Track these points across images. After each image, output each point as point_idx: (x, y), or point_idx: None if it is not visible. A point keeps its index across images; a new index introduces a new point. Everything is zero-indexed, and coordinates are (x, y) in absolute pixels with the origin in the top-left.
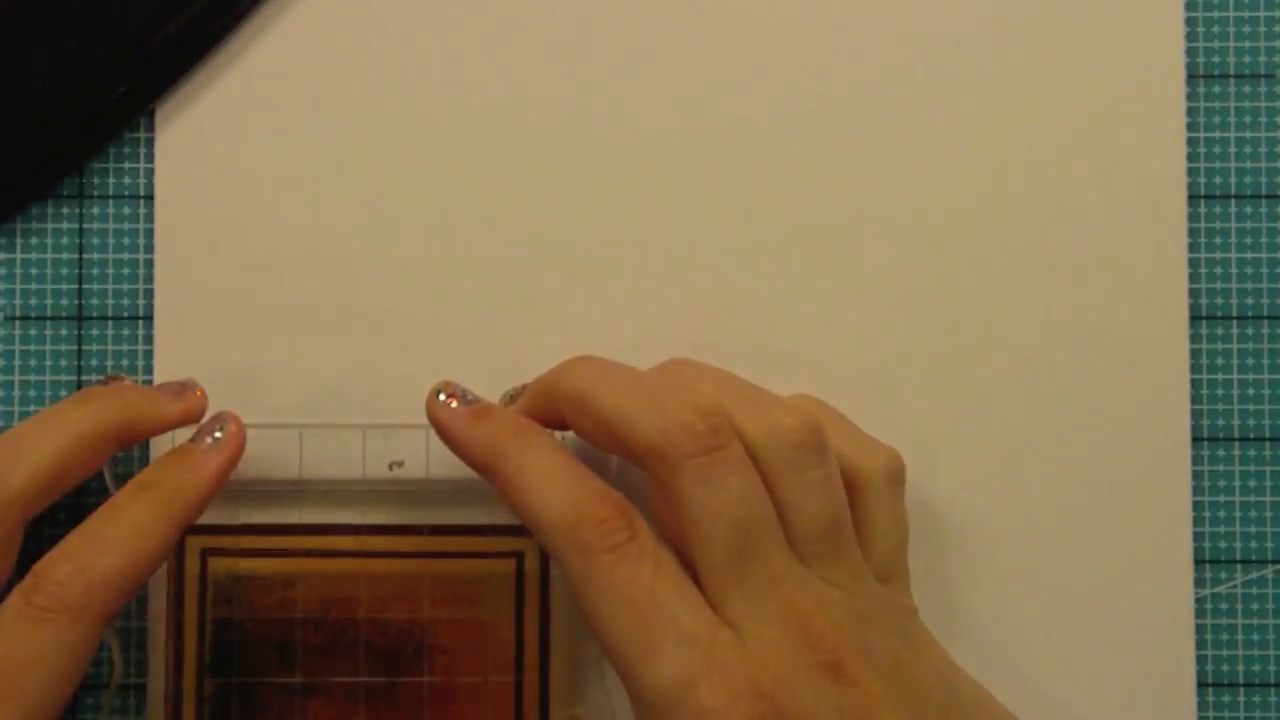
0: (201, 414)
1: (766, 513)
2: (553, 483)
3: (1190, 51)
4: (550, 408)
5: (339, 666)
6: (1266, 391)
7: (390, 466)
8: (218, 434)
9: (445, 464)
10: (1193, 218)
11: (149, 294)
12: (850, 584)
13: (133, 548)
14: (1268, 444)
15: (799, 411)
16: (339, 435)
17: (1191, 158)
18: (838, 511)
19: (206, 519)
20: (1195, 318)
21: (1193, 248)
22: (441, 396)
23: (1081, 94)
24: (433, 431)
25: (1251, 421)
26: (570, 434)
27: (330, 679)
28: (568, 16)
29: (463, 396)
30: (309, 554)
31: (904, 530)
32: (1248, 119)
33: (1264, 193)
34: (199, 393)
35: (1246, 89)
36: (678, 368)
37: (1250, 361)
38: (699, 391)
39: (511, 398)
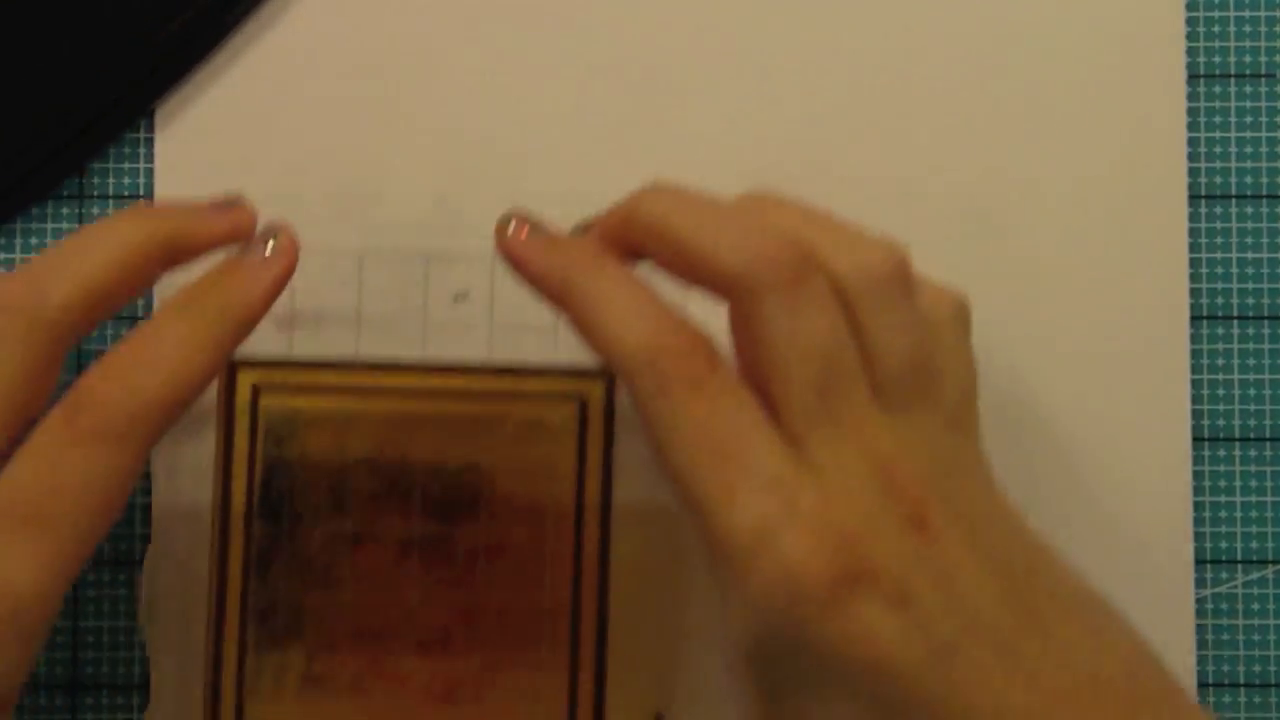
0: (251, 231)
1: (851, 352)
2: (630, 312)
3: (1191, 51)
4: (626, 237)
5: (393, 514)
6: (1267, 392)
7: (455, 299)
8: (269, 247)
9: (511, 300)
10: (1193, 218)
11: (148, 293)
12: (933, 432)
13: (181, 368)
14: (1268, 444)
15: (887, 247)
16: (401, 263)
17: (1192, 158)
18: (924, 353)
19: (258, 352)
20: (1196, 318)
21: (1193, 248)
22: (511, 226)
23: (1082, 94)
24: (499, 263)
25: (1252, 422)
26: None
27: (383, 527)
28: None
29: (534, 225)
30: (365, 392)
31: (973, 376)
32: (1248, 119)
33: (1264, 193)
34: (247, 208)
35: (1247, 89)
36: (759, 198)
37: (1251, 362)
38: (784, 222)
39: (584, 230)
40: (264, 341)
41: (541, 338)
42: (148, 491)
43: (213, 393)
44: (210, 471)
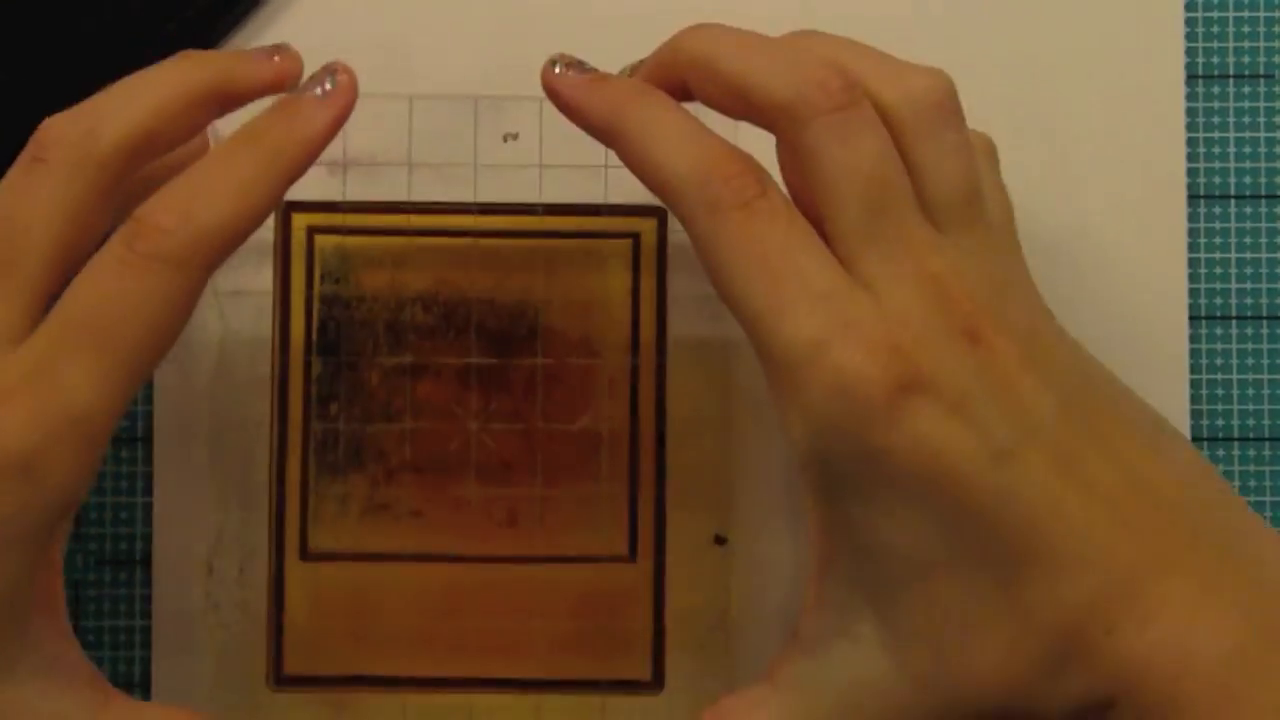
0: (298, 77)
1: (901, 175)
2: (679, 139)
3: (1190, 52)
4: (672, 75)
5: (449, 348)
6: (1266, 391)
7: (504, 139)
8: (328, 85)
9: (560, 139)
10: (1192, 218)
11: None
12: (984, 252)
13: (238, 200)
14: (1267, 444)
15: (935, 74)
16: (449, 106)
17: (1191, 158)
18: (974, 177)
19: (312, 194)
20: (1195, 317)
21: (1192, 248)
22: (558, 67)
23: (1081, 94)
24: (547, 105)
25: (1251, 421)
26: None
27: (440, 360)
28: None
29: (580, 66)
30: (419, 233)
31: (1010, 205)
32: (1247, 119)
33: (1263, 193)
34: (294, 53)
35: (1246, 89)
36: (805, 33)
37: (1250, 361)
38: (831, 52)
39: (631, 71)
40: (317, 186)
41: (592, 177)
42: (149, 491)
43: (270, 232)
44: (268, 311)
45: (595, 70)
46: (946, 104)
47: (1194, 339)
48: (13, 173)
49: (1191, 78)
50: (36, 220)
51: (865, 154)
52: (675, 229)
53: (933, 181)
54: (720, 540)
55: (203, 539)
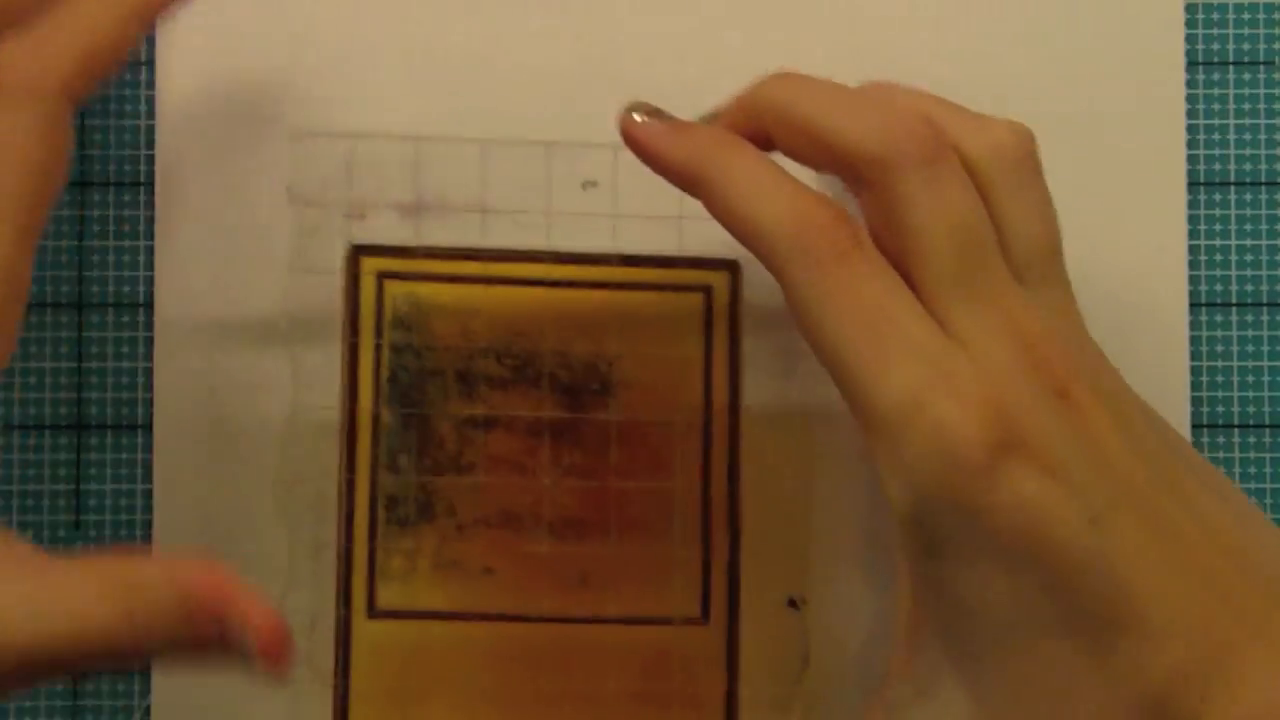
0: None
1: (989, 228)
2: (769, 188)
3: (1190, 39)
4: (753, 123)
5: (521, 400)
6: (1266, 379)
7: (583, 186)
8: None
9: (636, 190)
10: (1192, 205)
11: (149, 280)
12: (1066, 309)
13: (89, 22)
14: (1267, 431)
15: (1017, 129)
16: (524, 152)
17: (1191, 145)
18: (1055, 233)
19: (384, 239)
20: (1195, 305)
21: (1192, 235)
22: (637, 115)
23: (1080, 82)
24: (623, 151)
25: (1251, 409)
26: None
27: (512, 412)
28: None
29: (659, 114)
30: (492, 281)
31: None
32: (1247, 106)
33: (1263, 180)
34: None
35: (1246, 76)
36: (885, 84)
37: (1250, 349)
38: (914, 104)
39: (710, 119)
40: (390, 230)
41: (666, 228)
42: (148, 479)
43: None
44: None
45: (675, 118)
46: (1029, 159)
47: (1194, 326)
48: None
49: (1192, 65)
50: None
51: (955, 206)
52: (750, 285)
53: (1017, 236)
54: (795, 603)
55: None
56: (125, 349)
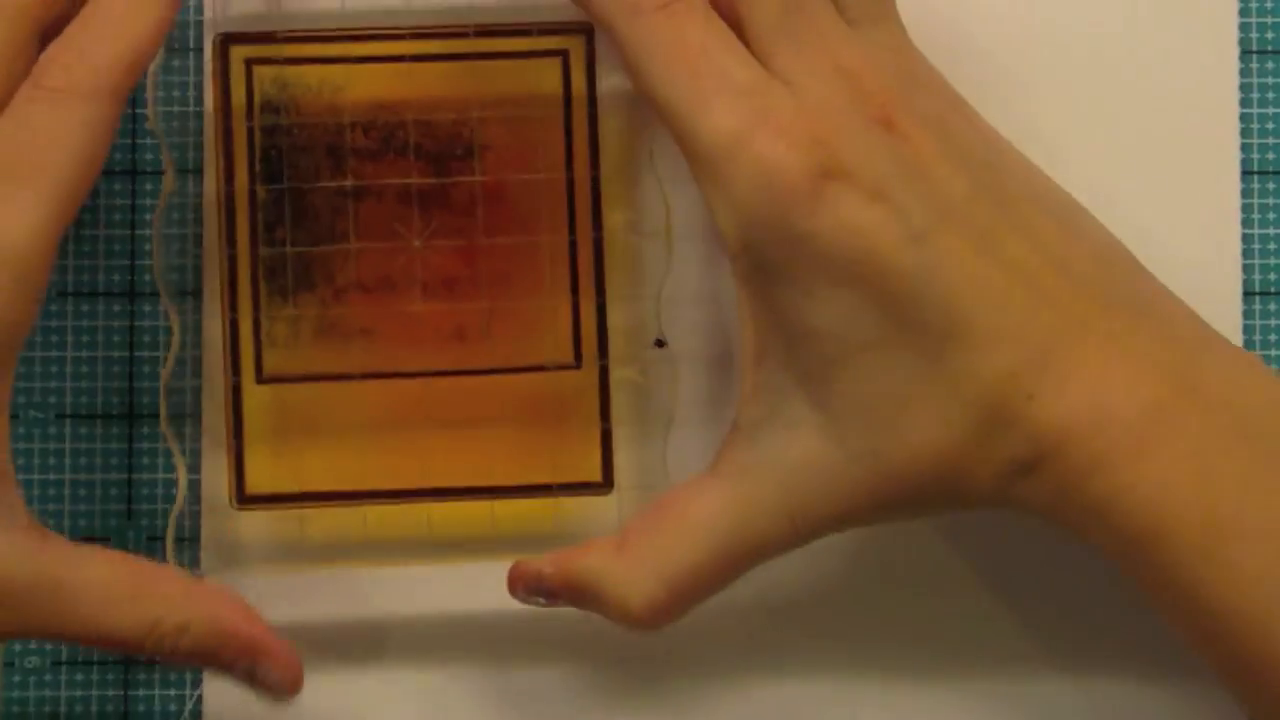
0: None
1: None
2: None
3: (1243, 27)
4: None
5: (390, 169)
6: None
7: None
8: None
9: None
10: (1245, 193)
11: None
12: (896, 46)
13: (130, 27)
14: None
15: None
16: None
17: (1244, 133)
18: None
19: (249, 26)
20: (1249, 293)
21: (1245, 223)
22: None
23: (1135, 70)
24: None
25: None
26: None
27: (382, 181)
28: None
29: None
30: (354, 60)
31: None
32: None
33: None
34: None
35: None
36: None
37: None
38: None
39: None
40: (254, 19)
41: None
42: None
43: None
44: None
45: None
46: None
47: (1247, 314)
48: None
49: (1245, 53)
50: None
51: None
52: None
53: None
54: (660, 343)
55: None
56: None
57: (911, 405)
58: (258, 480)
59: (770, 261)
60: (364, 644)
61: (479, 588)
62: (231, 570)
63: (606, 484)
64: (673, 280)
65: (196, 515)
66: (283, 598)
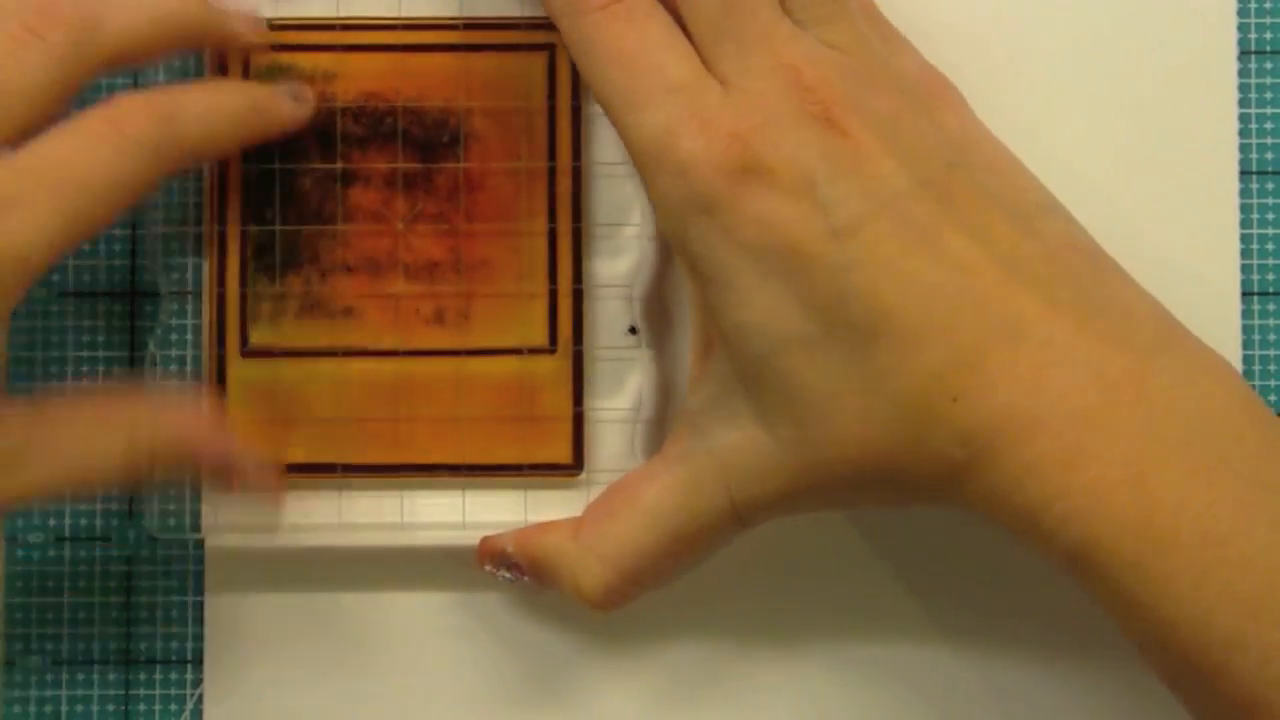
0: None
1: None
2: None
3: (1243, 28)
4: None
5: (378, 155)
6: None
7: None
8: (299, 96)
9: None
10: (1244, 194)
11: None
12: (850, 46)
13: (217, 124)
14: None
15: None
16: None
17: (1243, 134)
18: None
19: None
20: (1247, 294)
21: (1244, 223)
22: None
23: (1132, 71)
24: None
25: None
26: None
27: (369, 166)
28: None
29: None
30: (347, 49)
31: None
32: None
33: None
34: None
35: None
36: None
37: None
38: None
39: None
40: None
41: None
42: None
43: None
44: None
45: None
46: None
47: (1247, 315)
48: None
49: (1245, 53)
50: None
51: None
52: None
53: None
54: (633, 331)
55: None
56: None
57: (838, 400)
58: None
59: (699, 256)
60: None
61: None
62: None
63: (577, 466)
64: (649, 269)
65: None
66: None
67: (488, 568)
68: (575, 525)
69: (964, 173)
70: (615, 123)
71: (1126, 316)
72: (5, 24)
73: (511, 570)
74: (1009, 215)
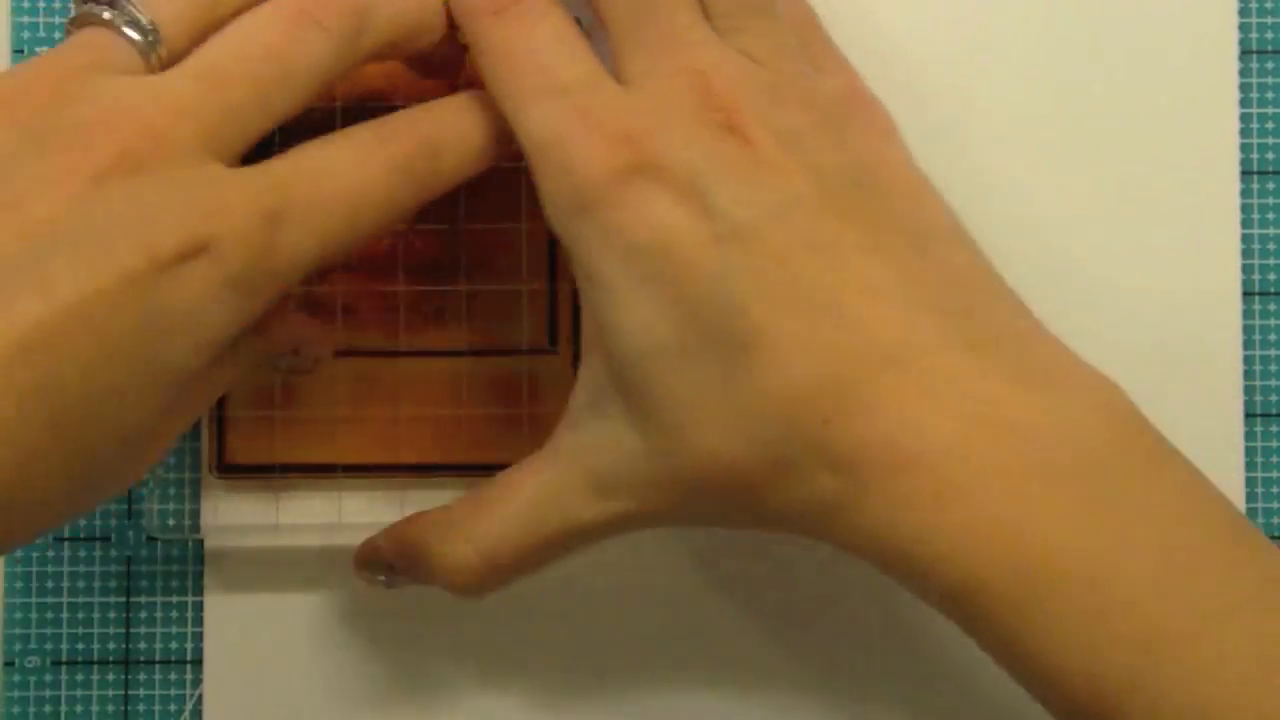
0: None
1: None
2: None
3: (1243, 27)
4: None
5: None
6: None
7: None
8: None
9: None
10: (1245, 194)
11: None
12: (768, 58)
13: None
14: None
15: None
16: None
17: (1244, 133)
18: None
19: None
20: (1248, 294)
21: (1245, 223)
22: None
23: (1133, 71)
24: None
25: None
26: None
27: None
28: None
29: None
30: None
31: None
32: None
33: None
34: None
35: None
36: None
37: None
38: None
39: None
40: None
41: None
42: None
43: None
44: None
45: None
46: None
47: (1247, 315)
48: (280, 19)
49: (1245, 53)
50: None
51: None
52: None
53: None
54: None
55: None
56: None
57: (702, 411)
58: (237, 451)
59: (580, 255)
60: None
61: None
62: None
63: None
64: None
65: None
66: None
67: (364, 573)
68: (447, 513)
69: (866, 193)
70: (509, 122)
71: (1018, 349)
72: (281, 6)
73: (385, 573)
74: (907, 238)
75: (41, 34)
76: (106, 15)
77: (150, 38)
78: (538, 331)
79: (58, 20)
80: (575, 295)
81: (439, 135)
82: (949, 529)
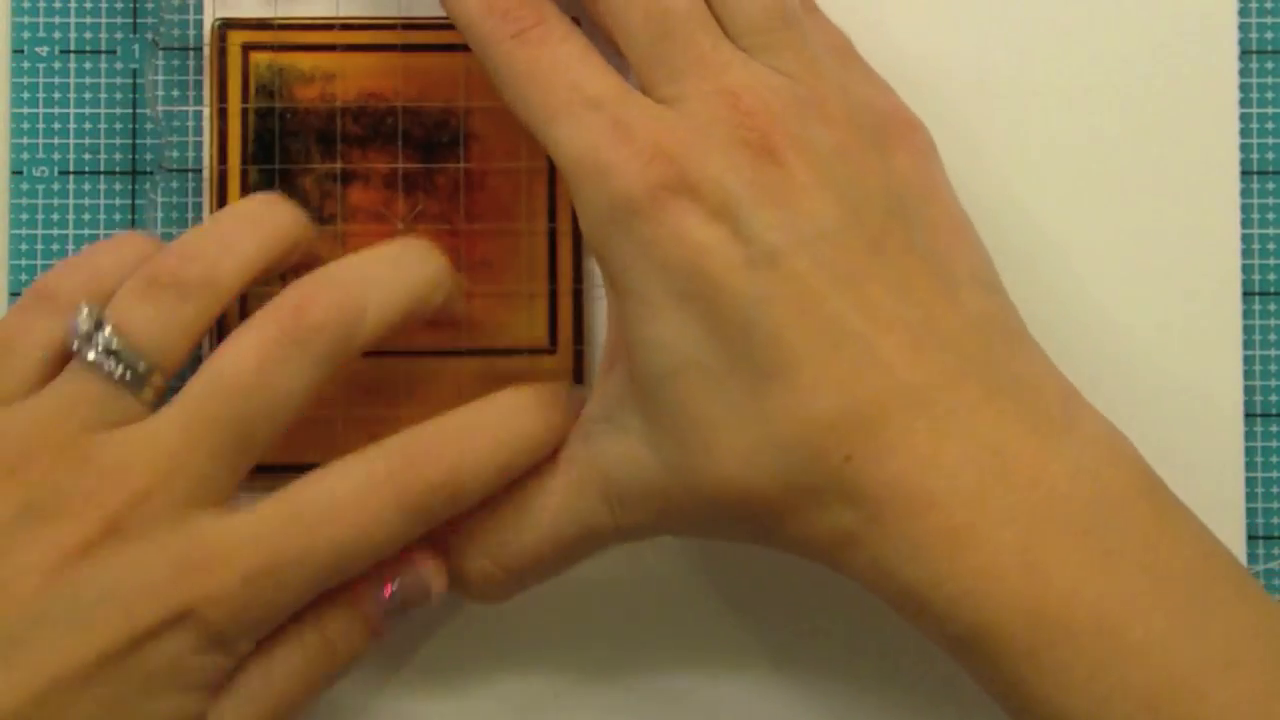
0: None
1: (693, 2)
2: None
3: (1243, 27)
4: None
5: (378, 155)
6: None
7: None
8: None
9: None
10: (1245, 194)
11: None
12: (801, 72)
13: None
14: None
15: None
16: None
17: (1244, 133)
18: (777, 4)
19: (247, 12)
20: (1248, 294)
21: (1245, 223)
22: None
23: (1133, 71)
24: None
25: None
26: None
27: (369, 166)
28: None
29: None
30: (349, 48)
31: (842, 34)
32: None
33: None
34: None
35: None
36: None
37: None
38: None
39: None
40: (252, 5)
41: None
42: None
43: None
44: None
45: None
46: None
47: (1247, 315)
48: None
49: (1245, 53)
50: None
51: None
52: None
53: (734, 9)
54: None
55: None
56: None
57: (726, 435)
58: None
59: (615, 266)
60: None
61: None
62: None
63: None
64: None
65: None
66: None
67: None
68: (465, 528)
69: (900, 224)
70: (541, 142)
71: (1035, 396)
72: (264, 328)
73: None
74: (935, 279)
75: (41, 34)
76: (106, 368)
77: (140, 381)
78: (538, 332)
79: (58, 20)
80: (576, 296)
81: (461, 460)
82: (962, 573)
